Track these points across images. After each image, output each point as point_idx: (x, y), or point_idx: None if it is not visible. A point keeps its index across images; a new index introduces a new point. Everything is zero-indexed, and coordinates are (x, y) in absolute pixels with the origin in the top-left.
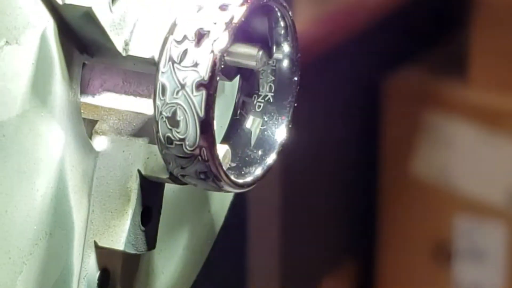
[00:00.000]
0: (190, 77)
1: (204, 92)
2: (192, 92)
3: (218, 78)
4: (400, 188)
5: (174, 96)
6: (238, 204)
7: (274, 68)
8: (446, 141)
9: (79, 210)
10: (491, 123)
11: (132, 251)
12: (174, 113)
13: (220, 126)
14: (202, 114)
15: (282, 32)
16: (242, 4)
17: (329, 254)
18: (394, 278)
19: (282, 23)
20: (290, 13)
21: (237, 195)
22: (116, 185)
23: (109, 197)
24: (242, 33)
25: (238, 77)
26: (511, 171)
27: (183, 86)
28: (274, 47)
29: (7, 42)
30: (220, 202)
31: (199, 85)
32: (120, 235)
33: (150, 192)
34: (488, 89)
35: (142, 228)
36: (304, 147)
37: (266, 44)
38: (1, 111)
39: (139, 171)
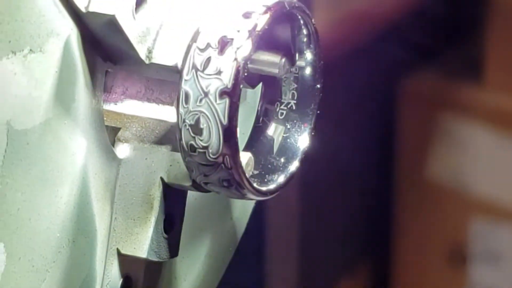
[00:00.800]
0: (214, 85)
1: (227, 100)
2: (216, 100)
3: (241, 86)
4: (416, 191)
5: (198, 104)
6: (258, 211)
7: (296, 75)
8: (462, 144)
9: (102, 217)
10: (507, 126)
11: (155, 259)
12: (197, 121)
13: (242, 133)
14: (225, 122)
15: (305, 40)
16: (265, 12)
17: (346, 258)
18: (410, 281)
19: (305, 31)
20: (313, 20)
21: (258, 202)
22: (139, 193)
23: (132, 205)
24: (265, 40)
25: (260, 84)
26: None
27: (206, 94)
28: (297, 55)
29: (31, 50)
30: (242, 209)
31: (223, 93)
32: (143, 243)
33: (173, 200)
34: (504, 92)
35: (165, 235)
36: (321, 152)
37: (289, 51)
38: (25, 119)
39: (162, 179)
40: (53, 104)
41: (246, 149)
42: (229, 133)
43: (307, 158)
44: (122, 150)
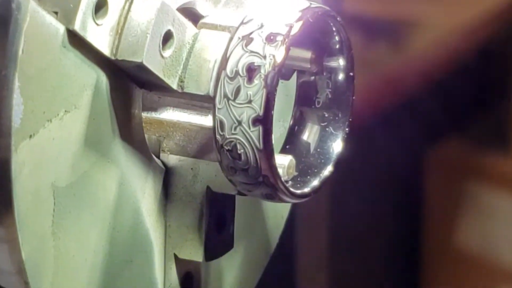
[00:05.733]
0: (246, 114)
1: (260, 127)
2: (249, 128)
3: (272, 111)
4: (443, 260)
5: (232, 131)
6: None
7: (329, 80)
8: (489, 212)
9: (156, 228)
10: None
11: (212, 259)
12: (234, 146)
13: (284, 127)
14: (261, 146)
15: (337, 46)
16: (299, 20)
17: None
18: None
19: (337, 37)
20: (344, 28)
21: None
22: (188, 201)
23: (183, 212)
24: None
25: (295, 88)
26: None
27: (239, 123)
28: (328, 57)
29: (65, 111)
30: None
31: (255, 121)
32: (198, 248)
33: (222, 202)
34: None
35: (218, 236)
36: (345, 218)
37: (319, 47)
38: (69, 174)
39: (208, 187)
40: (95, 150)
41: (283, 151)
42: (266, 156)
43: (330, 233)
44: (168, 161)
